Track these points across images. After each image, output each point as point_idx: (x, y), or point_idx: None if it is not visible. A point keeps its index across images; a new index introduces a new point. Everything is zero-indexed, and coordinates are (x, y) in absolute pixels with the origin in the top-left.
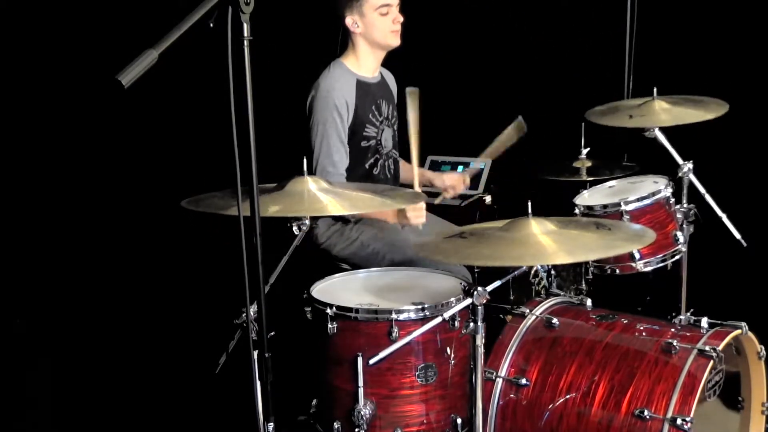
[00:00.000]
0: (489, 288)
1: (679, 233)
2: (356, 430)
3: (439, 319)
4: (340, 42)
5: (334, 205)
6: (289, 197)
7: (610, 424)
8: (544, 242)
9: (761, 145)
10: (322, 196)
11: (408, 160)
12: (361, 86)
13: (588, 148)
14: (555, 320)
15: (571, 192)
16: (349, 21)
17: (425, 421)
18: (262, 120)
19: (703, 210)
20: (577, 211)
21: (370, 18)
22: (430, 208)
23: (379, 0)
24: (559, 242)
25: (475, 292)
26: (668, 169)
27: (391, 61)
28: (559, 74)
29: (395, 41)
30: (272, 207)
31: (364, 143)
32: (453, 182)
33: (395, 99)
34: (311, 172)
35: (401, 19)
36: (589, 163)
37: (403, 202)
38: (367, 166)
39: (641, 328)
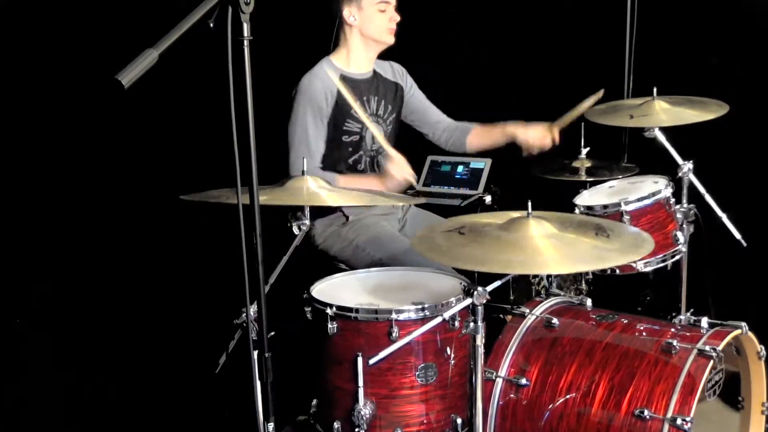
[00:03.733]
0: (489, 288)
1: (679, 233)
2: (356, 430)
3: (439, 319)
4: (334, 39)
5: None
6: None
7: (610, 424)
8: (541, 248)
9: (761, 145)
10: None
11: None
12: (346, 81)
13: (588, 148)
14: (555, 320)
15: (571, 192)
16: (346, 13)
17: (425, 421)
18: (262, 120)
19: (703, 210)
20: (577, 211)
21: (368, 12)
22: (427, 208)
23: None
24: (556, 248)
25: (475, 292)
26: (668, 169)
27: (391, 60)
28: (559, 74)
29: (390, 39)
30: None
31: (345, 138)
32: (537, 139)
33: (395, 95)
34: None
35: (398, 18)
36: (589, 163)
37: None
38: (350, 161)
39: (641, 328)
